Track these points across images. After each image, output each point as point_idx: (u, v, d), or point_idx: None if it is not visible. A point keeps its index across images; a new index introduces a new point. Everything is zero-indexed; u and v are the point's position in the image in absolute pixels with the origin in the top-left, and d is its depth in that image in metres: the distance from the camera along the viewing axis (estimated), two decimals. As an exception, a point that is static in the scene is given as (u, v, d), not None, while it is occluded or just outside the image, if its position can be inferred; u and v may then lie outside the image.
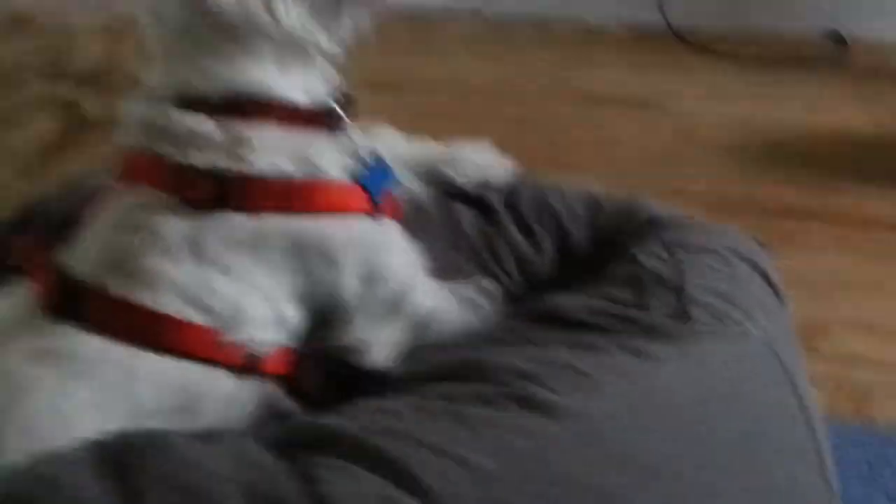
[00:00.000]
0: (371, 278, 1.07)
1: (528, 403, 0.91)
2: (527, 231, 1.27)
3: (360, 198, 1.07)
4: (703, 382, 0.99)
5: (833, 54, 2.61)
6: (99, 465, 0.86)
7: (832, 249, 1.87)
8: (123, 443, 0.89)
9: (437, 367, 1.01)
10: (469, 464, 0.86)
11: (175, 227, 1.01)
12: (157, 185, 1.03)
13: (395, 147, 1.25)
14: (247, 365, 1.02)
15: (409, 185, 1.26)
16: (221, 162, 1.02)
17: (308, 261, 1.04)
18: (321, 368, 1.07)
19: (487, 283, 1.17)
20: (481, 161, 1.32)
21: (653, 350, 0.99)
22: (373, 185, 1.08)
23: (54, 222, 1.14)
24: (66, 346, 0.97)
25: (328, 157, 1.06)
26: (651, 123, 2.33)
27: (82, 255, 1.03)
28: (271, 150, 1.03)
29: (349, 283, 1.06)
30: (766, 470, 0.99)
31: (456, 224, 1.28)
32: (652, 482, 0.90)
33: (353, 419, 0.93)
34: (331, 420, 0.94)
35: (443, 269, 1.16)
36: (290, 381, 1.05)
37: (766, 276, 1.13)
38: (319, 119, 1.06)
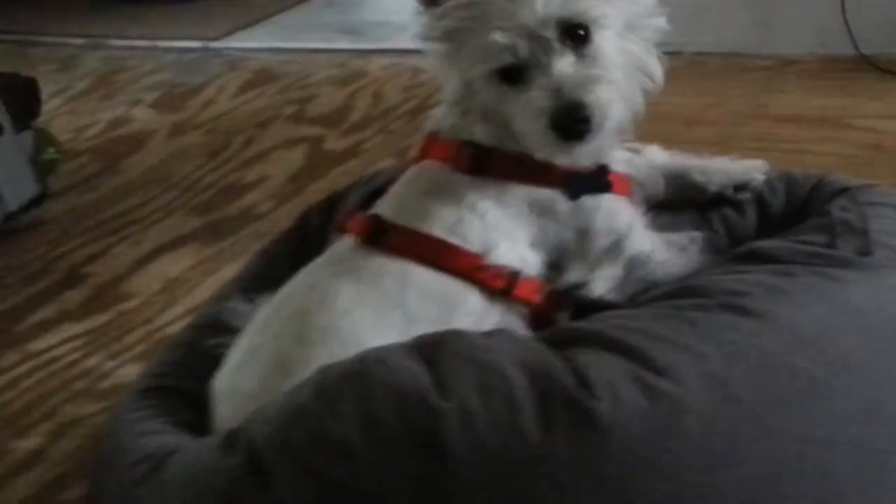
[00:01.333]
0: (590, 233, 1.35)
1: (735, 309, 1.17)
2: (734, 204, 1.52)
3: (588, 177, 1.35)
4: (882, 299, 1.21)
5: None
6: (411, 350, 1.15)
7: None
8: (426, 337, 1.18)
9: (659, 292, 1.27)
10: (691, 349, 1.12)
11: (445, 182, 1.34)
12: (438, 158, 1.38)
13: (657, 158, 1.52)
14: (505, 288, 1.30)
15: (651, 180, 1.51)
16: (486, 141, 1.35)
17: (539, 217, 1.34)
18: (563, 300, 1.35)
19: (696, 233, 1.41)
20: (732, 169, 1.54)
21: (840, 275, 1.21)
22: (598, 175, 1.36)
23: (362, 198, 1.49)
24: (360, 264, 1.30)
25: None
26: (841, 138, 2.53)
27: (386, 207, 1.37)
28: None
29: (570, 236, 1.35)
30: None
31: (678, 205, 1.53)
32: (838, 369, 1.14)
33: (599, 322, 1.20)
34: (581, 324, 1.21)
35: (662, 227, 1.41)
36: (537, 308, 1.34)
37: (937, 227, 1.34)
38: None
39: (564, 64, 1.25)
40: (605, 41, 1.29)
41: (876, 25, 2.94)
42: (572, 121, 1.23)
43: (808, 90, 2.86)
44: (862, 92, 2.79)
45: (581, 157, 1.29)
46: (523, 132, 1.28)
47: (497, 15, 1.26)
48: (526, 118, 1.26)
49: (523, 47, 1.25)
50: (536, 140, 1.27)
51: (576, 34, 1.26)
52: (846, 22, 2.92)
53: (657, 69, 1.35)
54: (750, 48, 3.11)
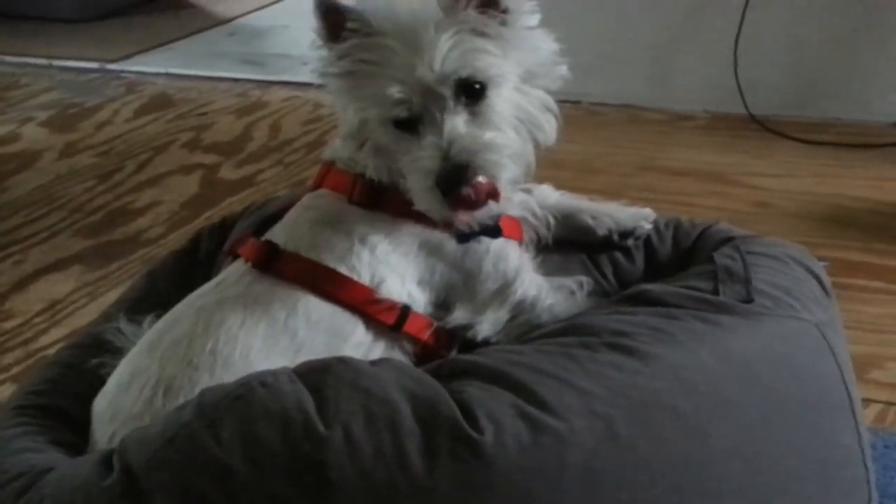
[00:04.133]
0: (478, 276, 1.35)
1: (620, 349, 1.18)
2: (622, 248, 1.54)
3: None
4: (761, 348, 1.24)
5: (897, 141, 2.87)
6: (296, 375, 1.14)
7: (887, 299, 2.10)
8: (312, 362, 1.17)
9: (546, 330, 1.29)
10: (576, 386, 1.13)
11: (338, 213, 1.35)
12: (333, 188, 1.38)
13: (548, 198, 1.53)
14: (394, 323, 1.30)
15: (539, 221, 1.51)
16: (381, 177, 1.35)
17: (428, 257, 1.34)
18: (451, 339, 1.35)
19: (584, 277, 1.43)
20: (622, 215, 1.55)
21: (722, 321, 1.24)
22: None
23: (254, 223, 1.51)
24: (250, 289, 1.29)
25: None
26: (729, 194, 2.61)
27: (279, 233, 1.36)
28: None
29: (458, 278, 1.35)
30: (804, 420, 1.24)
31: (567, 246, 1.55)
32: (714, 408, 1.17)
33: (486, 356, 1.20)
34: (468, 357, 1.21)
35: (552, 270, 1.43)
36: (425, 346, 1.34)
37: (818, 278, 1.38)
38: None
39: (456, 123, 1.25)
40: (500, 98, 1.29)
41: (766, 86, 3.04)
42: (458, 182, 1.23)
43: (700, 146, 2.94)
44: (750, 150, 2.88)
45: (467, 218, 1.29)
46: (411, 185, 1.29)
47: (395, 65, 1.26)
48: (414, 174, 1.27)
49: (417, 102, 1.26)
50: (422, 197, 1.27)
51: (471, 90, 1.27)
52: (737, 81, 3.01)
53: (551, 124, 1.35)
54: (646, 102, 3.19)
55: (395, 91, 1.25)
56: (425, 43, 1.25)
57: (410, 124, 1.28)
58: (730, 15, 3.00)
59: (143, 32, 4.36)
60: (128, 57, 4.03)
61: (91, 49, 4.17)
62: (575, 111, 3.06)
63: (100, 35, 4.40)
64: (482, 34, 1.28)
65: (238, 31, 4.40)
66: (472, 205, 1.24)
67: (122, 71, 3.92)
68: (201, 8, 4.78)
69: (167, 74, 3.84)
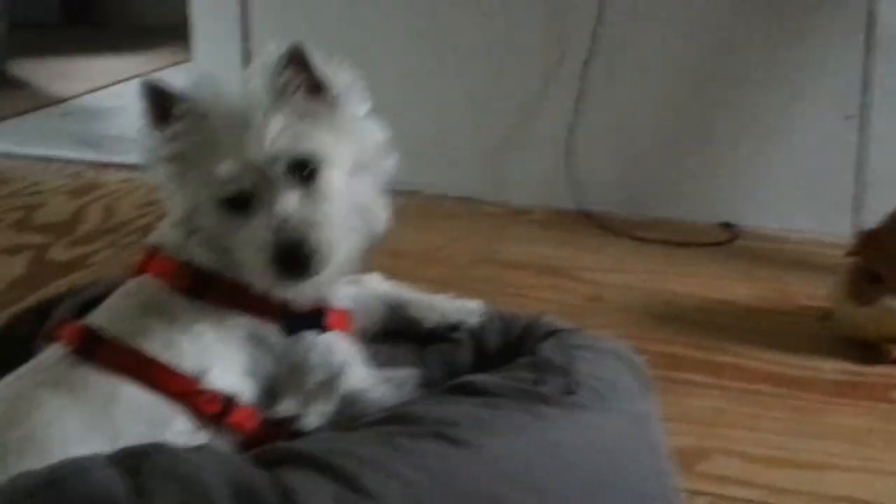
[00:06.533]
0: (304, 369, 1.35)
1: (444, 438, 1.20)
2: (450, 341, 1.55)
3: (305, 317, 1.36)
4: (580, 438, 1.27)
5: (724, 240, 2.97)
6: (113, 460, 1.11)
7: (714, 393, 2.16)
8: (130, 448, 1.14)
9: (372, 418, 1.29)
10: (399, 474, 1.14)
11: (161, 301, 1.33)
12: (158, 274, 1.36)
13: (377, 287, 1.55)
14: (219, 413, 1.28)
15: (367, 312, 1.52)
16: (207, 265, 1.34)
17: (254, 348, 1.34)
18: (279, 429, 1.33)
19: (412, 369, 1.44)
20: (449, 308, 1.58)
21: (544, 412, 1.27)
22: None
23: (74, 307, 1.46)
24: (67, 374, 1.26)
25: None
26: (563, 287, 2.66)
27: (100, 318, 1.33)
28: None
29: (285, 369, 1.35)
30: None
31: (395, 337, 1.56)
32: (533, 497, 1.18)
33: (310, 443, 1.19)
34: (291, 444, 1.20)
35: (380, 360, 1.43)
36: (251, 435, 1.32)
37: (636, 370, 1.42)
38: None
39: (289, 200, 1.26)
40: (332, 179, 1.31)
41: (598, 184, 3.13)
42: (293, 258, 1.24)
43: (536, 240, 3.00)
44: (584, 245, 2.95)
45: (300, 293, 1.31)
46: (245, 264, 1.29)
47: (224, 145, 1.27)
48: (248, 250, 1.27)
49: (248, 180, 1.26)
50: (257, 273, 1.27)
51: (303, 171, 1.28)
52: (570, 179, 3.10)
53: (383, 211, 1.37)
54: (485, 195, 3.24)
55: (225, 168, 1.26)
56: (255, 124, 1.27)
57: (241, 204, 1.28)
58: (562, 114, 3.10)
59: (-27, 110, 4.25)
60: (-44, 133, 3.91)
61: (-82, 124, 4.03)
62: (413, 201, 3.10)
63: (-73, 110, 4.26)
64: (312, 118, 1.30)
65: (72, 112, 4.32)
66: (305, 276, 1.25)
67: (-50, 147, 3.80)
68: (34, 87, 4.69)
69: (-3, 153, 3.73)
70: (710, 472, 1.88)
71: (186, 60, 3.92)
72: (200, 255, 1.34)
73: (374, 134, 1.37)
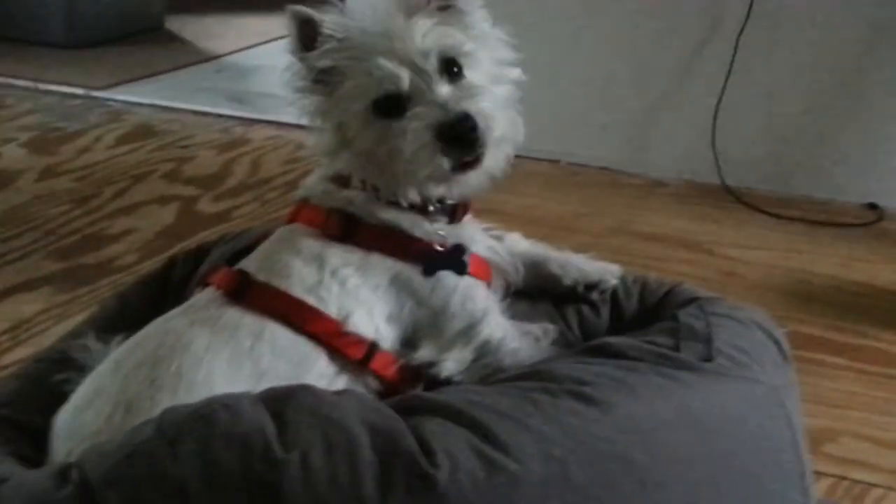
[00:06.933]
0: (445, 314, 1.37)
1: (579, 396, 1.21)
2: (589, 301, 1.56)
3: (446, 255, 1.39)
4: (717, 406, 1.27)
5: (869, 221, 2.91)
6: (259, 400, 1.16)
7: (850, 376, 2.12)
8: (275, 389, 1.19)
9: (508, 374, 1.31)
10: (533, 428, 1.15)
11: (311, 245, 1.36)
12: (309, 222, 1.40)
13: (518, 245, 1.56)
14: (361, 358, 1.32)
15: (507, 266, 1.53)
16: (354, 210, 1.38)
17: (398, 292, 1.36)
18: (415, 377, 1.37)
19: (549, 325, 1.45)
20: (589, 268, 1.58)
21: (681, 377, 1.27)
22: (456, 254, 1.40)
23: (227, 253, 1.53)
24: (217, 315, 1.31)
25: (424, 227, 1.39)
26: (698, 261, 2.64)
27: (251, 263, 1.38)
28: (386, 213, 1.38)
29: (426, 315, 1.37)
30: (754, 484, 1.27)
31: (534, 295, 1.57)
32: (667, 462, 1.19)
33: (448, 395, 1.22)
34: (430, 395, 1.23)
35: (518, 316, 1.45)
36: (388, 382, 1.35)
37: (777, 343, 1.41)
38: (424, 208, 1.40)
39: (445, 89, 1.30)
40: (477, 77, 1.34)
41: (742, 159, 3.09)
42: (460, 130, 1.27)
43: (674, 212, 2.98)
44: (723, 220, 2.92)
45: (467, 182, 1.33)
46: (402, 170, 1.31)
47: (377, 47, 1.30)
48: (412, 137, 1.28)
49: (405, 76, 1.29)
50: (423, 159, 1.29)
51: (451, 70, 1.32)
52: (714, 152, 3.06)
53: (519, 122, 1.38)
54: (624, 165, 3.23)
55: (383, 63, 1.29)
56: (401, 29, 1.31)
57: (396, 107, 1.30)
58: (711, 86, 3.06)
59: (130, 62, 4.39)
60: (113, 85, 4.04)
61: (77, 75, 4.18)
62: (554, 170, 3.10)
63: (87, 62, 4.42)
64: (448, 25, 1.35)
65: (225, 69, 4.43)
66: (475, 149, 1.28)
67: (106, 99, 3.93)
68: (191, 43, 4.82)
69: (152, 105, 3.85)
70: (837, 454, 1.87)
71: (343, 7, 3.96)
72: (345, 196, 1.39)
73: (501, 46, 1.41)
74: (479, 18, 1.39)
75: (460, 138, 1.27)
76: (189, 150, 3.41)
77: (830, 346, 2.24)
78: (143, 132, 3.57)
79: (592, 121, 3.24)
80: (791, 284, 2.53)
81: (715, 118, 3.05)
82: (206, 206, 2.95)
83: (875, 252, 2.73)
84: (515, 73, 1.41)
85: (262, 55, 4.50)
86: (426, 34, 1.31)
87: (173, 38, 4.90)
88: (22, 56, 4.45)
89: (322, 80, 1.36)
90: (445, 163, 1.29)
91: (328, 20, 1.34)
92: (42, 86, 4.07)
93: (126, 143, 3.46)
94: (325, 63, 1.34)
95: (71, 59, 4.45)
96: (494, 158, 1.33)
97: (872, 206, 2.97)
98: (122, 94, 3.97)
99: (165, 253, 2.56)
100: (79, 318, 2.10)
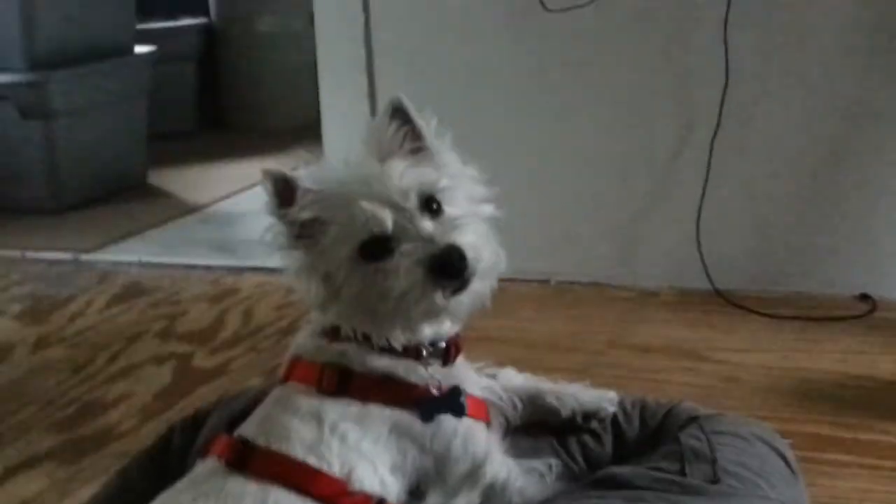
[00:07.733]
0: (448, 458, 1.37)
1: (591, 534, 1.19)
2: (590, 430, 1.56)
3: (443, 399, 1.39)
4: (730, 528, 1.25)
5: (863, 313, 2.91)
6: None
7: (863, 474, 2.10)
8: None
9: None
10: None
11: (308, 403, 1.36)
12: (303, 380, 1.40)
13: (512, 380, 1.57)
14: None
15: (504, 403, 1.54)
16: (348, 363, 1.38)
17: (399, 441, 1.36)
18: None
19: (553, 460, 1.44)
20: (585, 397, 1.58)
21: (690, 502, 1.25)
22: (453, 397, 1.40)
23: (224, 420, 1.51)
24: (220, 486, 1.30)
25: (419, 373, 1.39)
26: (698, 369, 2.64)
27: (249, 428, 1.37)
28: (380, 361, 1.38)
29: (430, 461, 1.37)
30: None
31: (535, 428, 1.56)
32: None
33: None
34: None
35: (521, 452, 1.44)
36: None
37: (783, 456, 1.40)
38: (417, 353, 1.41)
39: (429, 224, 1.30)
40: (456, 211, 1.36)
41: (729, 261, 3.10)
42: (450, 261, 1.27)
43: (668, 322, 2.97)
44: (717, 325, 2.92)
45: (458, 308, 1.32)
46: (400, 294, 1.30)
47: (357, 192, 1.31)
48: (404, 274, 1.28)
49: (388, 217, 1.30)
50: (416, 295, 1.29)
51: (431, 207, 1.33)
52: (702, 257, 3.07)
53: (501, 252, 1.38)
54: (614, 279, 3.24)
55: (366, 206, 1.30)
56: (378, 173, 1.34)
57: (382, 249, 1.31)
58: (691, 192, 3.08)
59: (116, 221, 4.42)
60: (101, 247, 4.07)
61: (64, 240, 4.21)
62: (545, 290, 3.12)
63: (73, 225, 4.45)
64: (421, 162, 1.38)
65: (210, 218, 4.47)
66: (464, 279, 1.29)
67: (94, 261, 3.95)
68: (174, 195, 4.87)
69: (140, 263, 3.87)
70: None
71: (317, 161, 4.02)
72: (345, 322, 1.38)
73: (474, 185, 1.42)
74: (451, 159, 1.42)
75: (451, 270, 1.28)
76: (180, 304, 3.42)
77: (840, 444, 2.21)
78: (134, 291, 3.58)
79: (578, 236, 3.26)
80: (792, 385, 2.52)
81: (698, 223, 3.07)
82: (202, 361, 2.95)
83: (872, 343, 2.72)
84: (489, 209, 1.42)
85: (244, 201, 4.55)
86: (403, 174, 1.33)
87: (156, 193, 4.95)
88: (5, 224, 4.48)
89: (304, 235, 1.37)
90: (439, 296, 1.29)
91: (304, 174, 1.36)
92: (29, 254, 4.08)
93: (117, 304, 3.47)
94: (306, 215, 1.35)
95: (56, 224, 4.49)
96: (482, 286, 1.33)
97: (864, 297, 2.97)
98: (109, 255, 3.99)
99: (164, 414, 2.56)
100: (83, 492, 2.09)
